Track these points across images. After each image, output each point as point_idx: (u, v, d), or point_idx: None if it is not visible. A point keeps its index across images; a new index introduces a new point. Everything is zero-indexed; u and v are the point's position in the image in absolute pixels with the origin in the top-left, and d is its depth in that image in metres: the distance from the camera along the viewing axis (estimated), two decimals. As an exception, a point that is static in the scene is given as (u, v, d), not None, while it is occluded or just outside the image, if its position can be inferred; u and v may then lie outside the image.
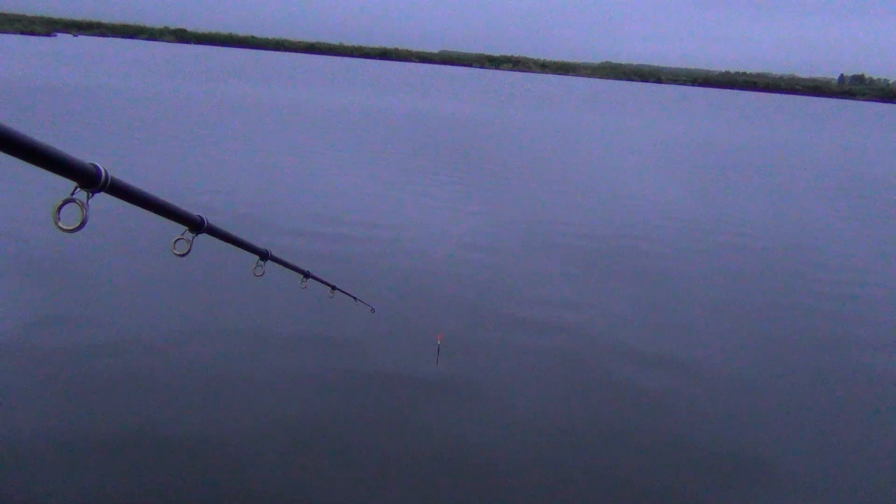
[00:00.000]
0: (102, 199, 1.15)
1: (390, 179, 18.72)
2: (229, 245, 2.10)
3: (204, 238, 1.71)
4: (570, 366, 7.58)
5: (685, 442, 6.17)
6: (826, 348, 8.77)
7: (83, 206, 1.09)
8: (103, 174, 1.11)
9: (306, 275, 3.47)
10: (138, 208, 1.39)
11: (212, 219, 1.69)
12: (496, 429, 6.12)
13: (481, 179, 20.07)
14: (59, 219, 1.08)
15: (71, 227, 1.08)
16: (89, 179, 1.09)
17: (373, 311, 6.83)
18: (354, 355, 7.34)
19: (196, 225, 1.66)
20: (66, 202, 1.08)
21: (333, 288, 4.49)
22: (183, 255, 1.63)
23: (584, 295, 10.06)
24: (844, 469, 6.02)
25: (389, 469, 5.42)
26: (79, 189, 1.10)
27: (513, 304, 9.36)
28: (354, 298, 5.63)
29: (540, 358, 7.69)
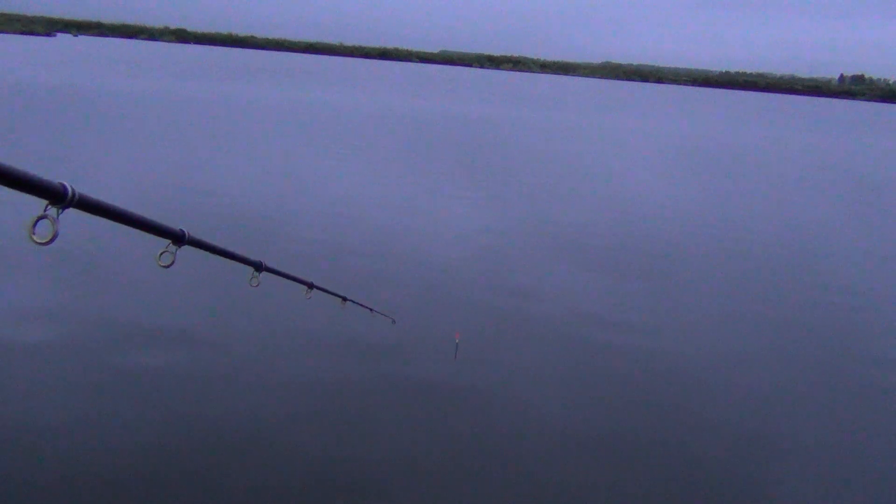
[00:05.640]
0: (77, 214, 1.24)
1: (396, 180, 18.76)
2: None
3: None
4: (586, 365, 7.64)
5: (700, 436, 6.24)
6: (834, 348, 8.83)
7: (54, 221, 1.16)
8: (70, 191, 1.18)
9: (310, 286, 3.44)
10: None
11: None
12: (517, 429, 6.19)
13: (485, 178, 20.11)
14: (34, 233, 1.15)
15: (44, 241, 1.15)
16: (57, 197, 1.16)
17: (393, 322, 6.77)
18: (366, 356, 7.39)
19: (177, 238, 1.69)
20: (39, 218, 1.16)
21: (345, 299, 4.48)
22: (167, 267, 1.68)
23: (594, 294, 10.12)
24: (852, 467, 6.08)
25: (416, 470, 5.48)
26: (50, 206, 1.17)
27: (527, 303, 9.42)
28: (370, 310, 5.61)
29: (558, 357, 7.76)
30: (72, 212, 1.22)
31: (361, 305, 4.81)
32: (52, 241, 1.16)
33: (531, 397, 6.81)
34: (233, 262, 2.24)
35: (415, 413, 6.35)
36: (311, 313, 7.90)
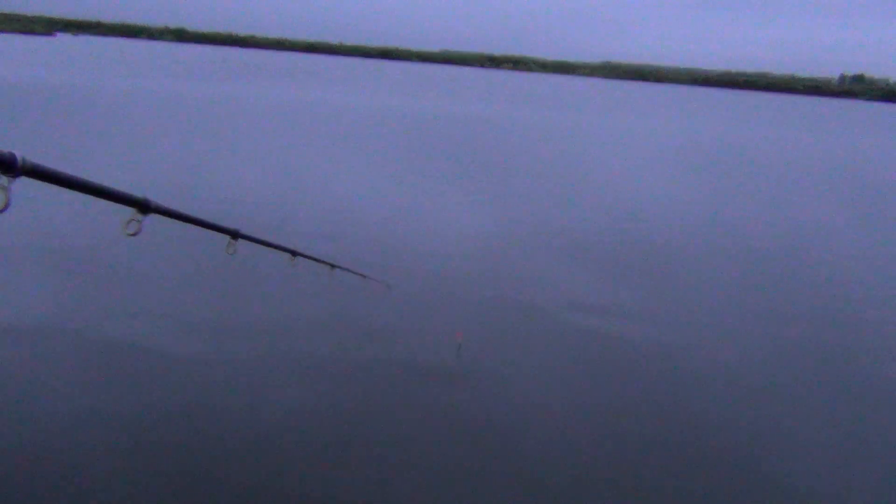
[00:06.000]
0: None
1: (396, 179, 18.76)
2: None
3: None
4: (588, 364, 7.65)
5: (701, 434, 6.25)
6: (834, 346, 8.84)
7: (5, 189, 1.20)
8: (19, 160, 1.22)
9: (294, 253, 3.47)
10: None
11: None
12: (519, 428, 6.19)
13: (485, 178, 20.10)
14: None
15: None
16: (6, 165, 1.20)
17: (388, 287, 6.61)
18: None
19: (142, 206, 1.68)
20: None
21: (333, 266, 4.39)
22: (134, 235, 1.66)
23: (595, 293, 10.12)
24: (851, 466, 6.08)
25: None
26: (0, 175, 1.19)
27: (527, 302, 9.42)
28: (363, 276, 5.51)
29: (559, 356, 7.76)
30: (65, 194, 1.21)
31: (352, 272, 4.67)
32: (4, 209, 1.19)
33: (533, 396, 6.81)
34: (210, 233, 2.13)
35: (416, 413, 6.35)
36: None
